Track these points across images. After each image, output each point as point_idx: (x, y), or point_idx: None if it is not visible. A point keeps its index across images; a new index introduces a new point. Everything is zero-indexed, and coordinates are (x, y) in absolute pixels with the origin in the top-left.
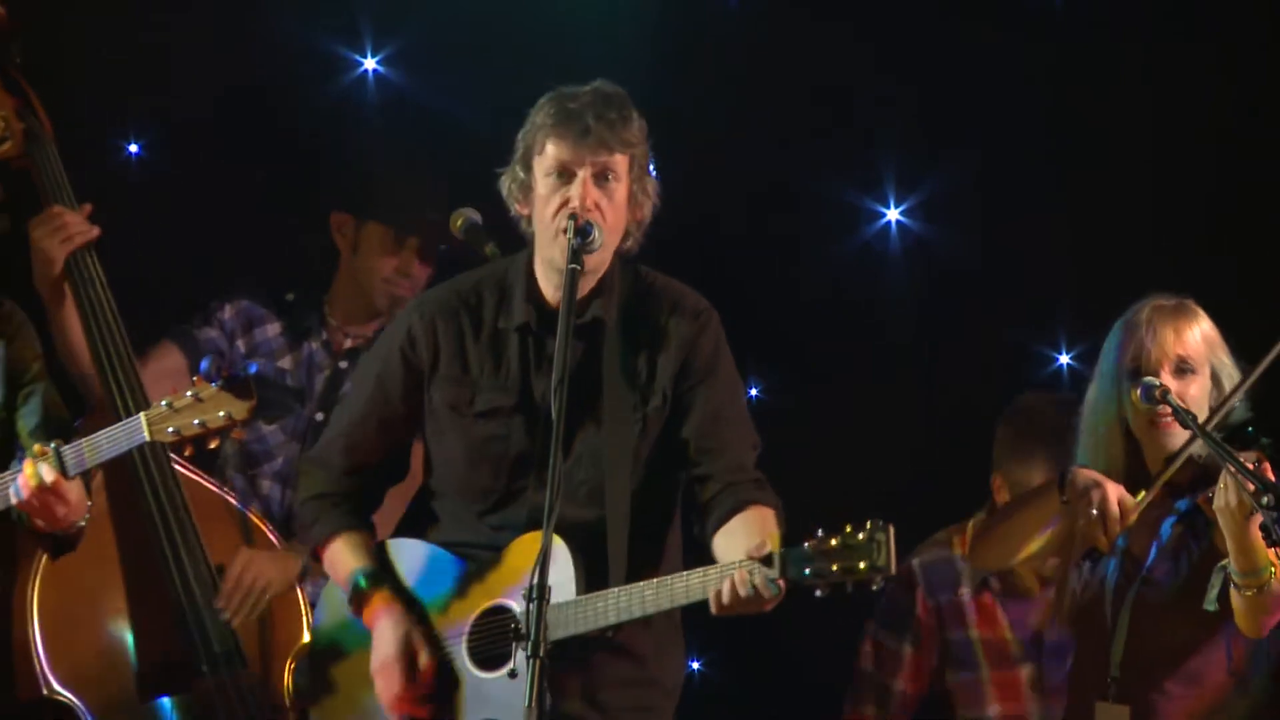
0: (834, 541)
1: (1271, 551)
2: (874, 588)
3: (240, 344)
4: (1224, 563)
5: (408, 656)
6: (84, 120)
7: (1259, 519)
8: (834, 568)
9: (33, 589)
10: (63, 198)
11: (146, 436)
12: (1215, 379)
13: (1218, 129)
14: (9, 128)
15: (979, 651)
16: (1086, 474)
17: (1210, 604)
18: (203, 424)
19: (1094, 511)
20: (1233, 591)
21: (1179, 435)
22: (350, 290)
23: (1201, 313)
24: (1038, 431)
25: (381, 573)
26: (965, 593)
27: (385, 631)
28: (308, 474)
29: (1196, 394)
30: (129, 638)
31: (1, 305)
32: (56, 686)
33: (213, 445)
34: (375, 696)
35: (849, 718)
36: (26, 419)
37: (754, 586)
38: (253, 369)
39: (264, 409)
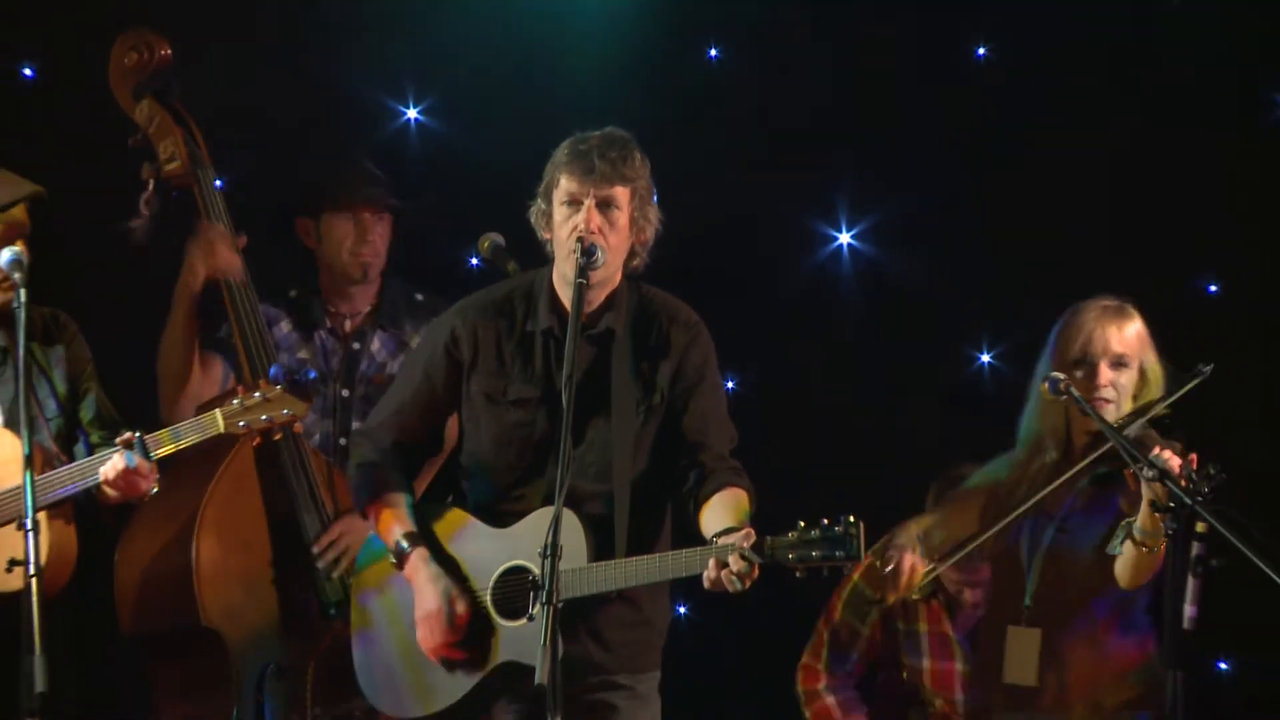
0: (814, 533)
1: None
2: (844, 571)
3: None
4: (1129, 520)
5: (447, 608)
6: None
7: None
8: (813, 554)
9: (196, 539)
10: (214, 216)
11: (221, 429)
12: (1142, 372)
13: (1115, 159)
14: (177, 152)
15: (924, 643)
16: (906, 534)
17: (1114, 549)
18: (269, 419)
19: (889, 569)
20: (1127, 545)
21: (1107, 413)
22: (331, 277)
23: (1137, 315)
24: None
25: (420, 534)
26: (918, 595)
27: (425, 586)
28: (359, 445)
29: (1126, 383)
30: (269, 584)
31: (58, 316)
32: (209, 619)
33: (276, 437)
34: (404, 630)
35: (804, 664)
36: (85, 411)
37: (739, 575)
38: (312, 375)
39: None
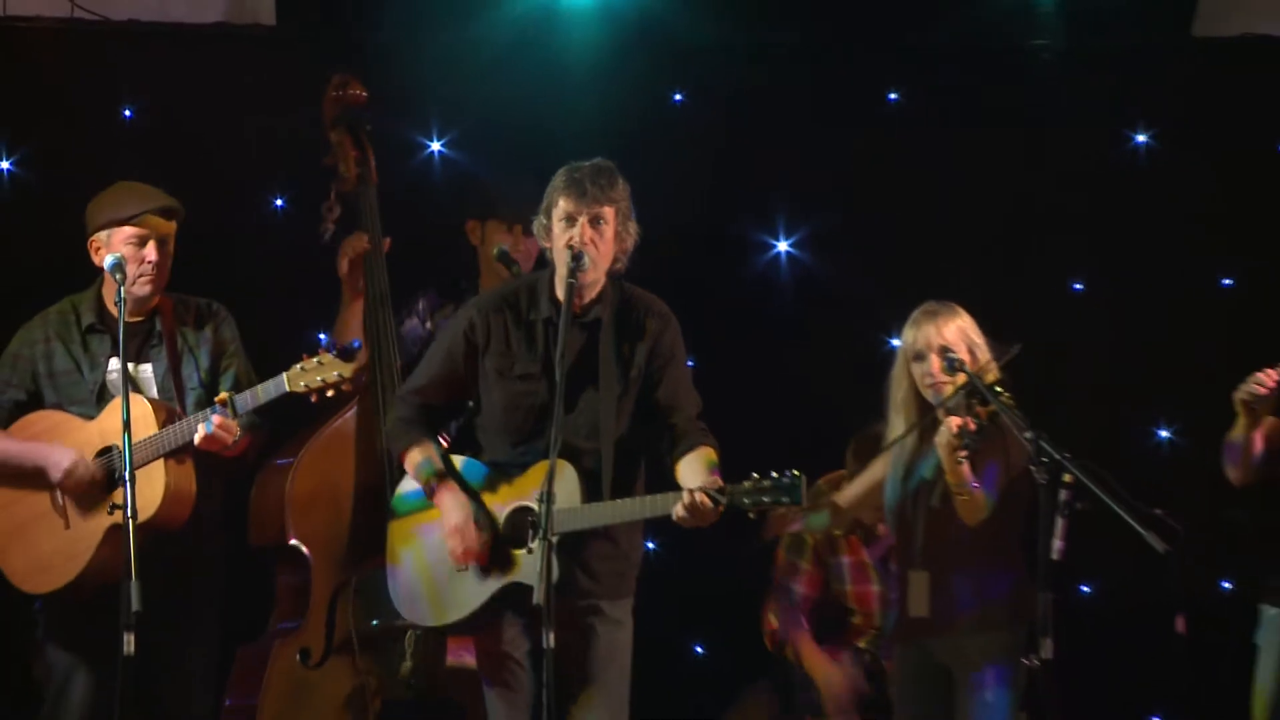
0: (765, 482)
1: (969, 471)
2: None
3: (429, 324)
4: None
5: (470, 525)
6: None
7: (963, 452)
8: (764, 499)
9: (294, 474)
10: (368, 224)
11: (288, 388)
12: (972, 355)
13: (1000, 183)
14: (350, 171)
15: (846, 571)
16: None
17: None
18: (323, 380)
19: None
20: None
21: (945, 394)
22: (489, 270)
23: (960, 310)
24: (871, 452)
25: (444, 473)
26: (840, 531)
27: (451, 507)
28: (396, 407)
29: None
30: (348, 517)
31: (211, 305)
32: (294, 539)
33: (330, 395)
34: (425, 561)
35: (766, 608)
36: (224, 383)
37: (704, 507)
38: (356, 344)
39: None
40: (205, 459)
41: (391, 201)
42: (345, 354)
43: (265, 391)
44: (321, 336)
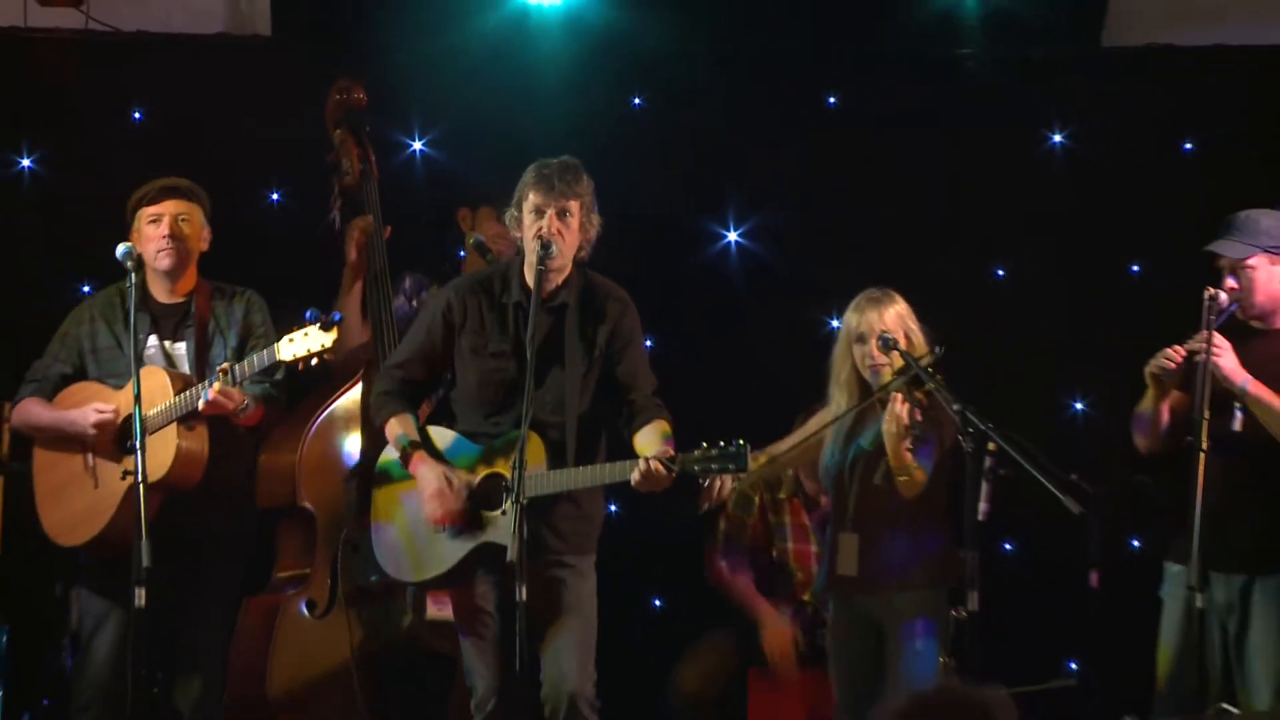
0: (713, 451)
1: (911, 457)
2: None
3: (414, 303)
4: (885, 460)
5: (447, 488)
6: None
7: (907, 441)
8: (712, 466)
9: (304, 443)
10: (371, 213)
11: (278, 357)
12: (908, 340)
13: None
14: (354, 167)
15: (789, 532)
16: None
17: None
18: (309, 350)
19: (705, 484)
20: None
21: (884, 375)
22: (474, 254)
23: (898, 297)
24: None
25: (421, 441)
26: (784, 495)
27: (427, 474)
28: (380, 381)
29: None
30: (354, 482)
31: (244, 293)
32: (305, 501)
33: (314, 364)
34: (406, 522)
35: (708, 548)
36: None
37: (658, 474)
38: (336, 317)
39: None
40: (228, 428)
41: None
42: (326, 325)
43: (260, 360)
44: (308, 313)
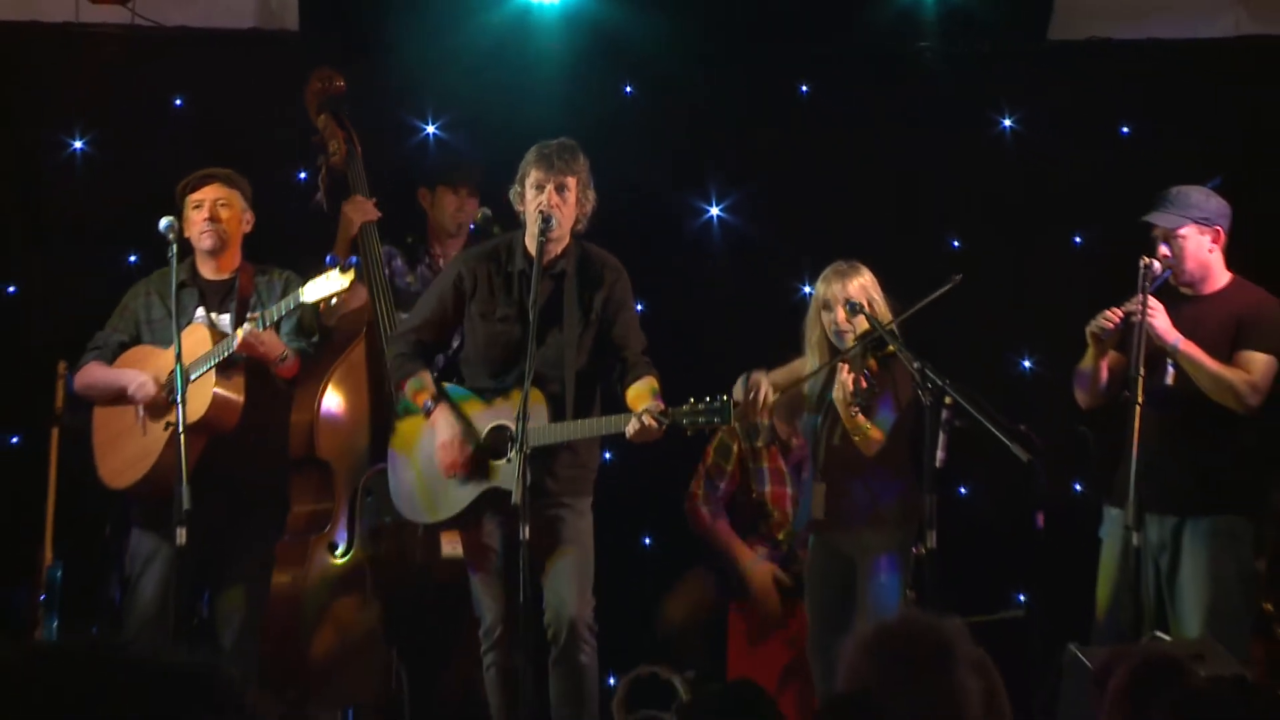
0: (700, 406)
1: (863, 418)
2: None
3: (387, 270)
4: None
5: (458, 441)
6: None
7: (855, 408)
8: (699, 419)
9: (319, 398)
10: (360, 189)
11: (304, 300)
12: (872, 309)
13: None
14: (339, 148)
15: (766, 475)
16: (757, 376)
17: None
18: (329, 291)
19: (750, 395)
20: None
21: (847, 340)
22: (435, 230)
23: (864, 269)
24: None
25: (439, 396)
26: (762, 443)
27: (444, 427)
28: (396, 343)
29: (858, 319)
30: (364, 432)
31: (283, 272)
32: (322, 453)
33: (334, 303)
34: (420, 466)
35: (690, 492)
36: (285, 326)
37: (651, 427)
38: (354, 261)
39: (403, 304)
40: (265, 380)
41: (389, 171)
42: (344, 268)
43: (286, 304)
44: (328, 258)
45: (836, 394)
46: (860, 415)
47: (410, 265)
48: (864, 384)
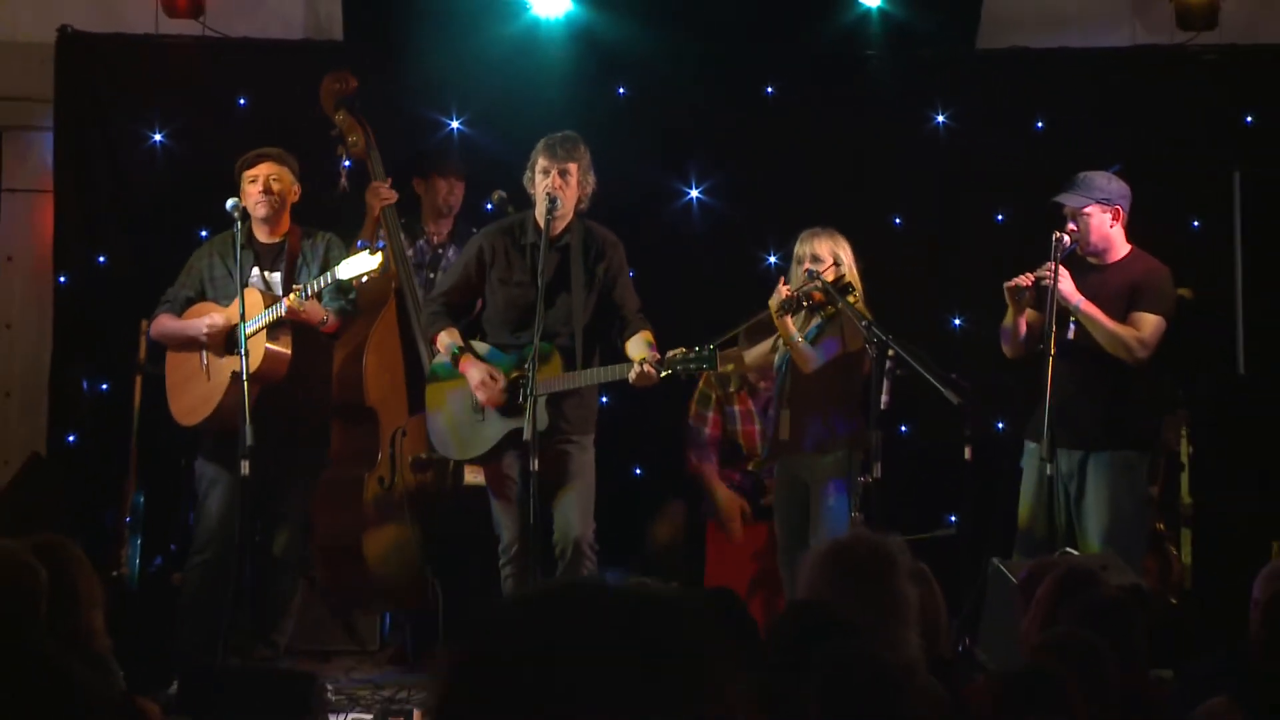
0: (690, 354)
1: (790, 324)
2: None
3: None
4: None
5: (489, 377)
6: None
7: (784, 312)
8: (690, 366)
9: (367, 352)
10: (378, 176)
11: (340, 276)
12: (836, 263)
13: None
14: (358, 140)
15: (738, 416)
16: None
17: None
18: (360, 269)
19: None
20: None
21: (814, 295)
22: (429, 211)
23: (837, 233)
24: (758, 332)
25: (465, 347)
26: (733, 389)
27: (472, 369)
28: (429, 304)
29: (829, 275)
30: (401, 381)
31: (326, 234)
32: (369, 401)
33: (365, 281)
34: (452, 413)
35: (686, 448)
36: (327, 290)
37: (649, 373)
38: (381, 245)
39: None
40: (312, 337)
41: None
42: (373, 251)
43: (325, 279)
44: (359, 243)
45: (771, 301)
46: (789, 320)
47: (410, 241)
48: (786, 293)
